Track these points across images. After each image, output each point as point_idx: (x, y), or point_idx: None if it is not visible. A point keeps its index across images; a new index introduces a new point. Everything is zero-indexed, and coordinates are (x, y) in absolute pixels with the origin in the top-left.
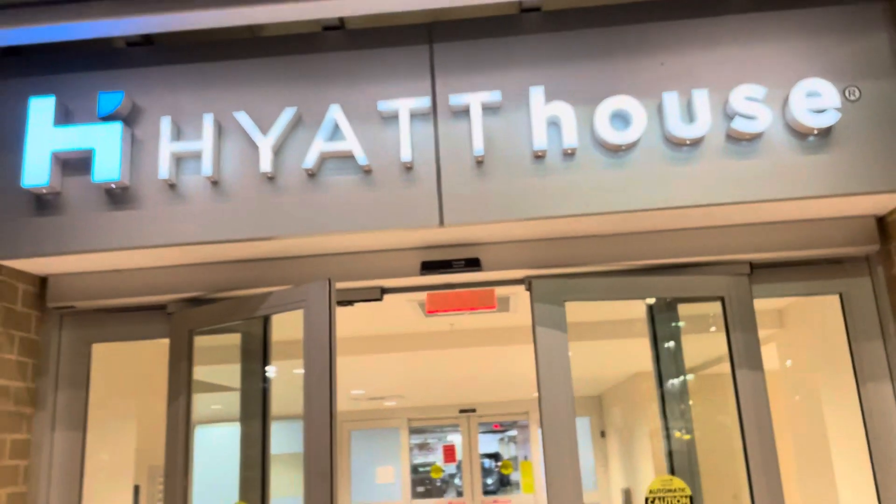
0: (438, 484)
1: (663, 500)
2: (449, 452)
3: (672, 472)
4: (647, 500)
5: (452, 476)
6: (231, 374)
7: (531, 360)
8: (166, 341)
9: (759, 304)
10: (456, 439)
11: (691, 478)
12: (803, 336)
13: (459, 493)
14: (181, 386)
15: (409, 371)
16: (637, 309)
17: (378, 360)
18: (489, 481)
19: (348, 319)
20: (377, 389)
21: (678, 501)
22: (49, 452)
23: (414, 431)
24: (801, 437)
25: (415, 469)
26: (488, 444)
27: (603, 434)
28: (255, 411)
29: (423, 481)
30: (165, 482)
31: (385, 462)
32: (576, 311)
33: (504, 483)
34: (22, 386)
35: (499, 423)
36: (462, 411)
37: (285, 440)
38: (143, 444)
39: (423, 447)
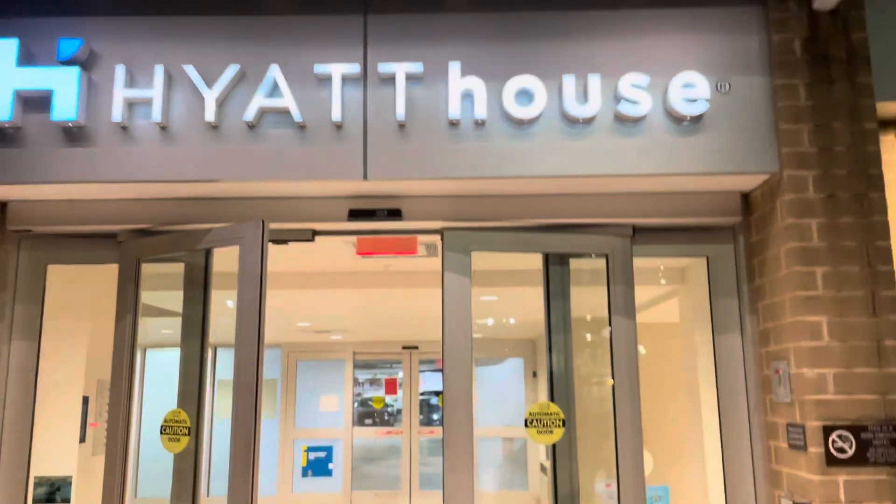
0: (386, 418)
1: (541, 422)
2: (390, 385)
3: (552, 400)
4: (526, 420)
5: (399, 412)
6: (177, 301)
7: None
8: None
9: (666, 262)
10: (399, 376)
11: (568, 406)
12: (696, 291)
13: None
14: (128, 308)
15: (350, 307)
16: (537, 261)
17: (321, 295)
18: (435, 416)
19: (292, 257)
20: (322, 323)
21: (553, 423)
22: (6, 360)
23: (359, 366)
24: (684, 381)
25: (363, 402)
26: (433, 383)
27: (535, 374)
28: (196, 335)
29: (369, 414)
30: (111, 395)
31: (330, 392)
32: (505, 259)
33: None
34: None
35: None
36: (405, 347)
37: (229, 367)
38: (93, 360)
39: (373, 383)
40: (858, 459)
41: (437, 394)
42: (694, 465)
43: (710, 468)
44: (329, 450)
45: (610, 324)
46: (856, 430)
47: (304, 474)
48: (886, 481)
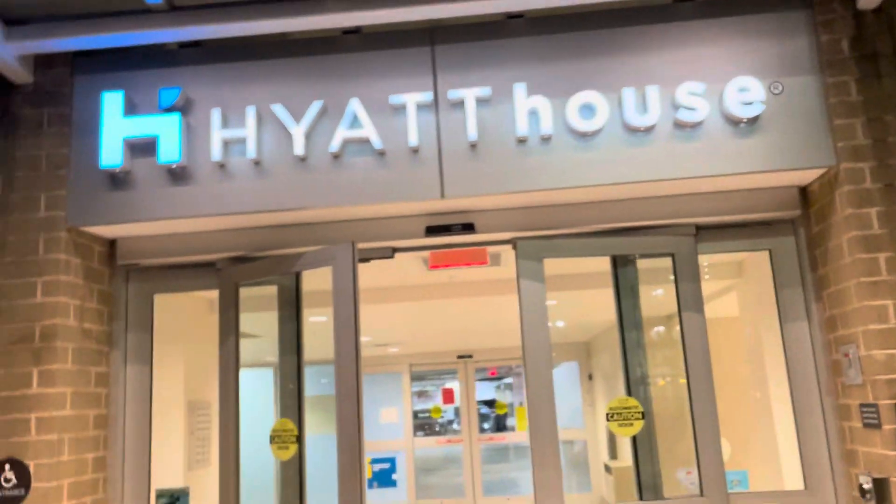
0: (437, 429)
1: (621, 415)
2: (448, 395)
3: (629, 395)
4: (607, 414)
5: (451, 422)
6: (268, 321)
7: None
8: (207, 298)
9: (722, 258)
10: (454, 385)
11: (645, 400)
12: (756, 284)
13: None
14: (230, 330)
15: (412, 319)
16: (606, 264)
17: (384, 309)
18: (486, 426)
19: (362, 274)
20: (382, 337)
21: (632, 415)
22: (123, 383)
23: (415, 378)
24: (752, 370)
25: (415, 415)
26: (485, 391)
27: (590, 377)
28: (292, 352)
29: (423, 426)
30: (221, 410)
31: (389, 404)
32: (561, 265)
33: (500, 427)
34: (101, 329)
35: (495, 369)
36: (460, 357)
37: (313, 384)
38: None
39: (422, 395)
40: None
41: (489, 403)
42: (768, 450)
43: (786, 451)
44: (392, 461)
45: (680, 319)
46: None
47: (370, 486)
48: None
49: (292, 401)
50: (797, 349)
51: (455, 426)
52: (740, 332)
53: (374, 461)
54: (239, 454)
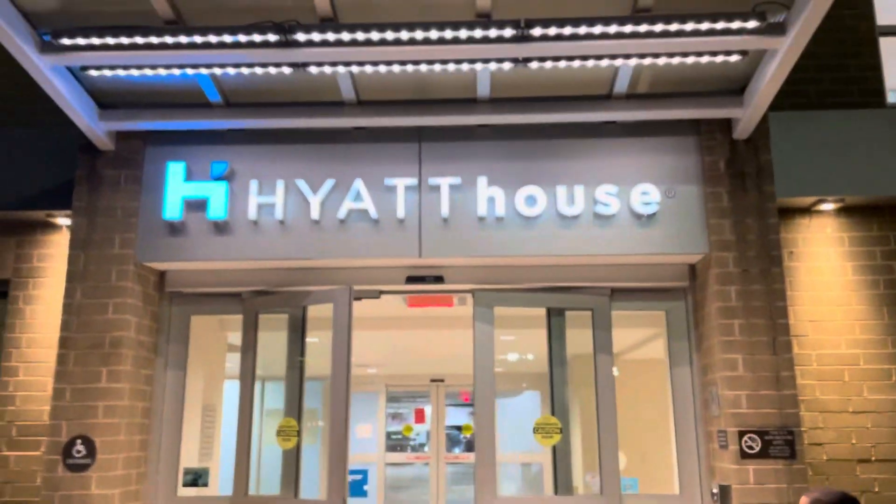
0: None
1: (544, 429)
2: (419, 414)
3: (552, 414)
4: (533, 428)
5: (422, 445)
6: (279, 340)
7: None
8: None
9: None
10: (426, 407)
11: (564, 419)
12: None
13: None
14: (249, 347)
15: (392, 345)
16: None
17: (369, 336)
18: (457, 450)
19: (355, 309)
20: (363, 358)
21: (553, 430)
22: (163, 385)
23: (390, 399)
24: (662, 402)
25: (388, 436)
26: (458, 417)
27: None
28: (296, 368)
29: (395, 447)
30: (240, 408)
31: (364, 421)
32: (518, 310)
33: (471, 449)
34: (150, 340)
35: (468, 395)
36: (432, 380)
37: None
38: (197, 390)
39: (395, 417)
40: (763, 454)
41: (458, 428)
42: (659, 463)
43: (671, 464)
44: (364, 473)
45: (594, 359)
46: (761, 433)
47: None
48: (782, 469)
49: (294, 405)
50: (681, 387)
51: (426, 449)
52: (665, 371)
53: (349, 472)
54: (250, 443)
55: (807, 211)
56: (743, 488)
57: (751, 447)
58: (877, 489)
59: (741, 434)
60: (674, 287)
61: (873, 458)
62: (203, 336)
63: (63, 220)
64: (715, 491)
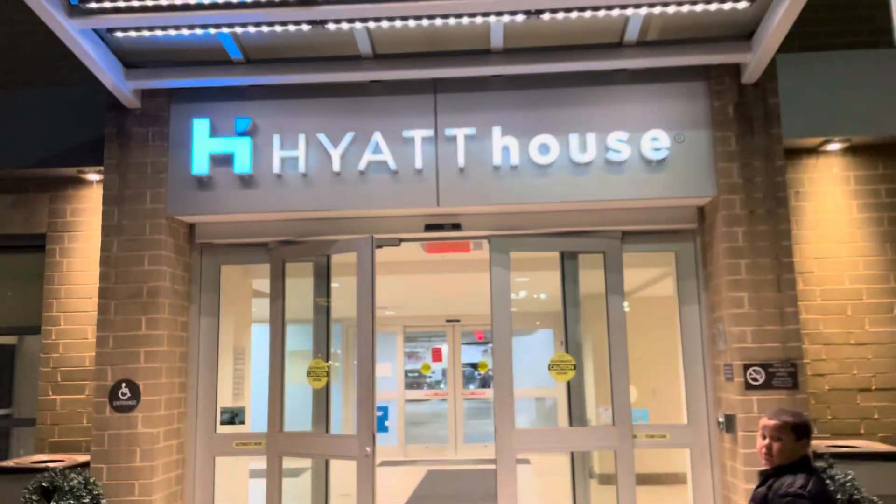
0: (425, 387)
1: (559, 366)
2: (436, 353)
3: (567, 352)
4: (548, 365)
5: (438, 383)
6: (306, 287)
7: None
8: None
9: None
10: (443, 346)
11: (578, 357)
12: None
13: None
14: (278, 294)
15: (410, 287)
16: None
17: (387, 280)
18: (472, 387)
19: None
20: (380, 301)
21: (567, 367)
22: (198, 331)
23: (407, 339)
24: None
25: (406, 374)
26: (472, 355)
27: (562, 343)
28: (323, 312)
29: (413, 384)
30: (271, 354)
31: (383, 361)
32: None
33: (485, 385)
34: (184, 289)
35: (482, 333)
36: (448, 321)
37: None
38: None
39: (412, 356)
40: (766, 385)
41: (473, 365)
42: (668, 396)
43: (680, 397)
44: (385, 409)
45: (606, 299)
46: (764, 366)
47: None
48: (785, 399)
49: (323, 347)
50: (689, 324)
51: (443, 386)
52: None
53: None
54: (283, 383)
55: (814, 151)
56: (747, 417)
57: (755, 379)
58: (876, 416)
59: (746, 367)
60: (683, 229)
61: (873, 388)
62: (231, 284)
63: (93, 176)
64: (721, 420)
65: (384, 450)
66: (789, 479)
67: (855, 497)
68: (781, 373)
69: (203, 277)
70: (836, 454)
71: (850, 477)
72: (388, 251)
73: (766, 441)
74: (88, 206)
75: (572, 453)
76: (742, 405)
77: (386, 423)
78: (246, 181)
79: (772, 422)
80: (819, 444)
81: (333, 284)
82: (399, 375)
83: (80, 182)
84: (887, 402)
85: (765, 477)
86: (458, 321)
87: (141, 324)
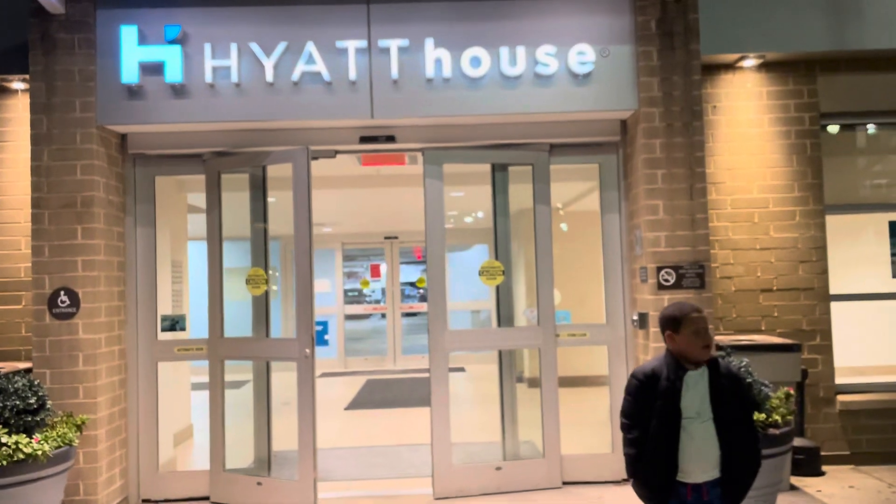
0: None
1: (488, 272)
2: (375, 270)
3: (496, 258)
4: (479, 271)
5: (378, 302)
6: (241, 201)
7: None
8: (177, 180)
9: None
10: (382, 265)
11: (507, 263)
12: None
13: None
14: (214, 206)
15: (347, 204)
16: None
17: (325, 194)
18: (411, 302)
19: (312, 168)
20: (319, 217)
21: (496, 272)
22: (134, 239)
23: (346, 258)
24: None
25: (346, 293)
26: (411, 274)
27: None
28: (259, 226)
29: (352, 302)
30: (209, 263)
31: (323, 277)
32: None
33: (424, 300)
34: (119, 200)
35: (420, 251)
36: (386, 237)
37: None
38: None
39: (351, 275)
40: (676, 285)
41: (412, 284)
42: (593, 301)
43: (600, 299)
44: (325, 324)
45: (534, 209)
46: (675, 268)
47: None
48: (693, 298)
49: (260, 256)
50: (609, 231)
51: (382, 304)
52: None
53: None
54: (222, 294)
55: (731, 67)
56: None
57: (666, 280)
58: (776, 314)
59: (659, 269)
60: (606, 142)
61: (775, 288)
62: (165, 198)
63: (18, 85)
64: (635, 318)
65: (325, 362)
66: None
67: (748, 381)
68: (690, 274)
69: (137, 188)
70: (735, 346)
71: (744, 363)
72: (325, 165)
73: None
74: (15, 115)
75: (500, 355)
76: (654, 304)
77: (325, 337)
78: (178, 90)
79: None
80: (724, 339)
81: (270, 199)
82: (339, 291)
83: (4, 91)
84: (786, 301)
85: None
86: (396, 238)
87: (77, 233)
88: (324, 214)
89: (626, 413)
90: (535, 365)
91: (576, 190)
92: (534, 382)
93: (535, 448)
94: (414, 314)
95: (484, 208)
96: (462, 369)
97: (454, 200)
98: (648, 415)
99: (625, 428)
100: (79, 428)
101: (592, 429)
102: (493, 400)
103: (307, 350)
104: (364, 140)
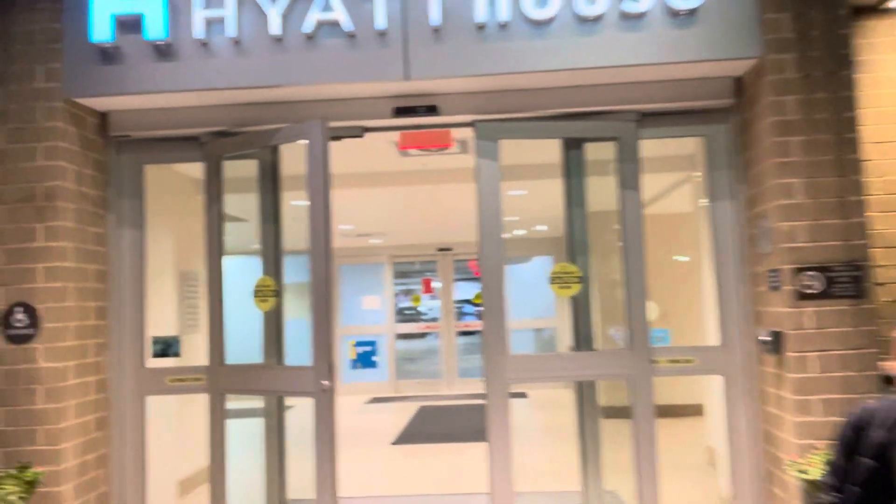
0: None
1: (561, 279)
2: (427, 284)
3: (572, 263)
4: (550, 278)
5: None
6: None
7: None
8: (194, 179)
9: (676, 151)
10: (435, 284)
11: (584, 268)
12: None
13: None
14: (214, 198)
15: (391, 206)
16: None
17: (364, 195)
18: (469, 320)
19: (338, 157)
20: (364, 225)
21: (571, 279)
22: (119, 243)
23: (398, 275)
24: (694, 253)
25: (400, 311)
26: (467, 291)
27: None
28: (270, 220)
29: (405, 320)
30: (208, 273)
31: (372, 293)
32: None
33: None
34: (97, 193)
35: (476, 263)
36: (440, 249)
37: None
38: (176, 252)
39: (407, 293)
40: (824, 294)
41: (467, 301)
42: (694, 313)
43: (700, 317)
44: (373, 343)
45: (621, 196)
46: (822, 269)
47: (353, 367)
48: (847, 311)
49: (271, 263)
50: (721, 223)
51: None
52: (692, 226)
53: (358, 343)
54: (222, 308)
55: (872, 10)
56: (798, 334)
57: (809, 286)
58: None
59: (797, 271)
60: (714, 107)
61: None
62: (174, 197)
63: None
64: (766, 338)
65: (374, 386)
66: None
67: None
68: (843, 278)
69: (123, 180)
70: None
71: None
72: (358, 155)
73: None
74: None
75: (580, 384)
76: (792, 319)
77: (374, 359)
78: (161, 50)
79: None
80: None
81: (296, 202)
82: (389, 308)
83: None
84: None
85: None
86: (449, 249)
87: (36, 233)
88: (366, 222)
89: (829, 466)
90: (613, 390)
91: (655, 185)
92: (612, 412)
93: (621, 501)
94: (471, 332)
95: (551, 209)
96: (523, 395)
97: (514, 203)
98: (859, 477)
99: (822, 487)
100: (30, 485)
101: (692, 473)
102: (562, 433)
103: (325, 382)
104: (399, 113)
